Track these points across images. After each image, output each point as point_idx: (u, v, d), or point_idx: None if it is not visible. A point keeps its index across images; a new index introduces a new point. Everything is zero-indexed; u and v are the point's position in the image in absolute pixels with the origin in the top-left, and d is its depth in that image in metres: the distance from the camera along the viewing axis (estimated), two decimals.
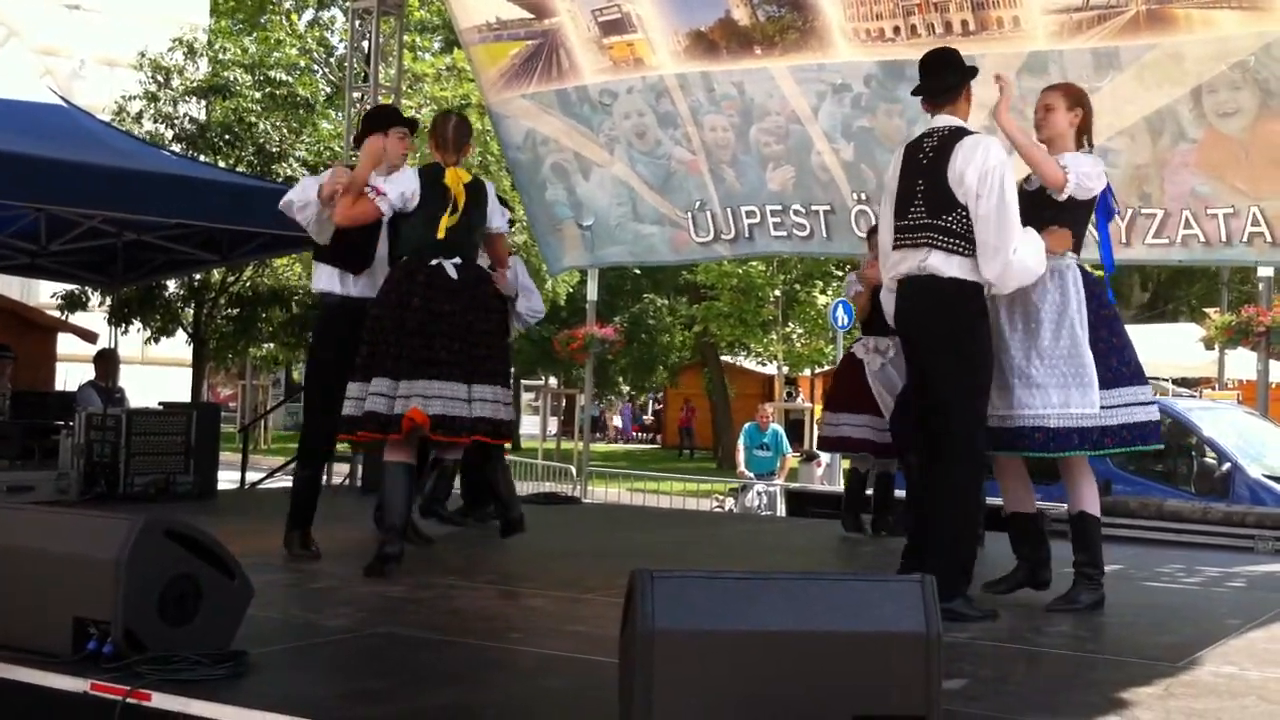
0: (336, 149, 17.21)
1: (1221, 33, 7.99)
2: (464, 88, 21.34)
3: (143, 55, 18.62)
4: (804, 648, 3.06)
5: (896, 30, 8.98)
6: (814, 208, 10.04)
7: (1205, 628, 5.04)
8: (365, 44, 11.82)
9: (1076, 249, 5.31)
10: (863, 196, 9.74)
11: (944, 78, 5.26)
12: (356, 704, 3.62)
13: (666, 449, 37.90)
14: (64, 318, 15.53)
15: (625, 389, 39.63)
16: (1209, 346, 19.52)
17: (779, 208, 10.21)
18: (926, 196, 5.12)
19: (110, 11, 22.18)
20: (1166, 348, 21.89)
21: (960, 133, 5.15)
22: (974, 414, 5.11)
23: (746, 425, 16.20)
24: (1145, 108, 8.36)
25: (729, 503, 15.11)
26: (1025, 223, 5.09)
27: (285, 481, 14.30)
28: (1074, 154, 5.30)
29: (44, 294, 18.35)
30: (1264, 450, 11.60)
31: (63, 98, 11.98)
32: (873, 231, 7.61)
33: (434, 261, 5.82)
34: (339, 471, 11.60)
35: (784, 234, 10.29)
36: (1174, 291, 32.41)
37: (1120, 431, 5.18)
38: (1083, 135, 5.43)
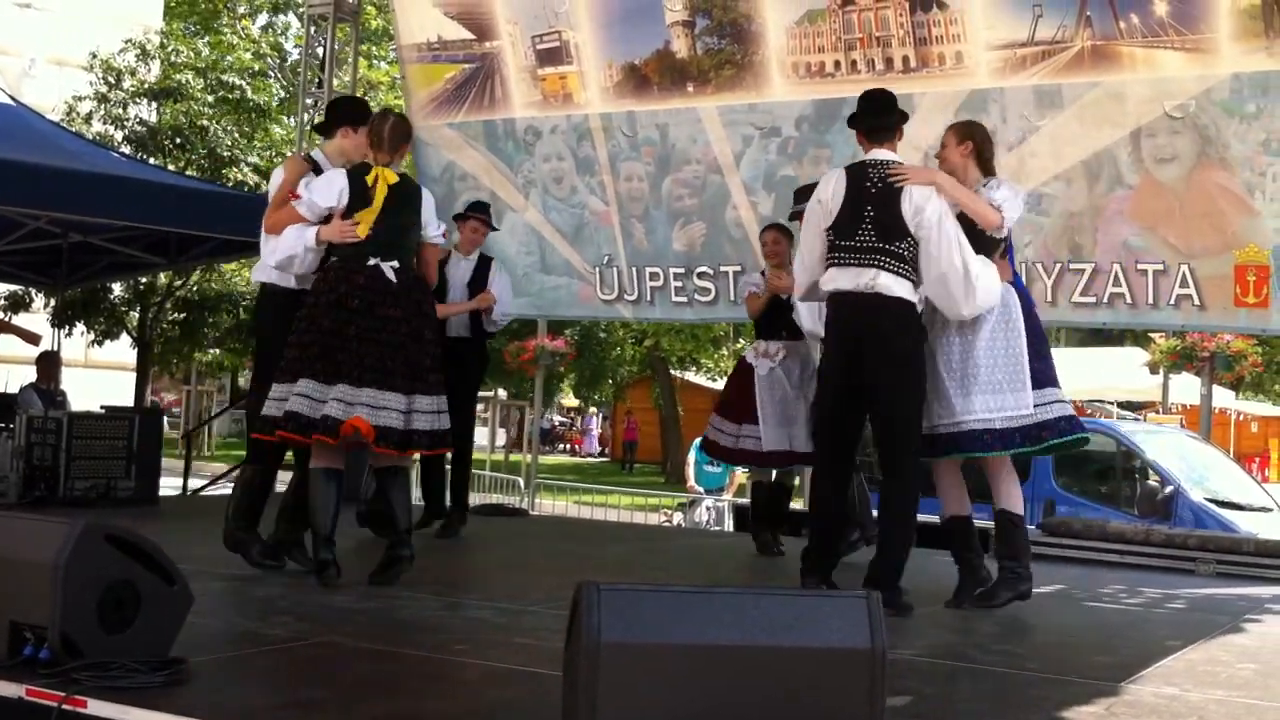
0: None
1: (1163, 74, 7.92)
2: None
3: (94, 56, 18.44)
4: (750, 662, 3.05)
5: (837, 65, 8.89)
6: (722, 268, 9.64)
7: (1146, 648, 5.08)
8: (320, 50, 11.75)
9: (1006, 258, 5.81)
10: None
11: (887, 117, 5.72)
12: (296, 714, 3.58)
13: (614, 462, 37.89)
14: (7, 319, 15.33)
15: (568, 402, 39.48)
16: (1153, 371, 19.86)
17: (681, 270, 9.85)
18: (877, 221, 5.48)
19: (62, 11, 21.94)
20: (1111, 371, 22.16)
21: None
22: (920, 429, 5.61)
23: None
24: (1084, 150, 8.21)
25: (677, 517, 15.11)
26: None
27: (228, 489, 14.17)
28: (996, 188, 5.70)
29: None
30: (1206, 474, 11.75)
31: (11, 97, 11.86)
32: (770, 235, 7.62)
33: (371, 262, 5.66)
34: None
35: (684, 299, 9.93)
36: None
37: (1056, 424, 5.63)
38: (984, 163, 5.83)
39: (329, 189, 5.74)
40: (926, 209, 5.46)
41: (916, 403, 5.55)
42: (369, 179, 5.72)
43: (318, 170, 6.07)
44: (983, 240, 5.60)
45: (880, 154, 5.65)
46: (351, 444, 5.67)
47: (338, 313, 5.59)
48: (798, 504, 8.41)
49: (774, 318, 7.45)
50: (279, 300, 6.08)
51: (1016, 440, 5.58)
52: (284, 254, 5.81)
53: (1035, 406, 5.59)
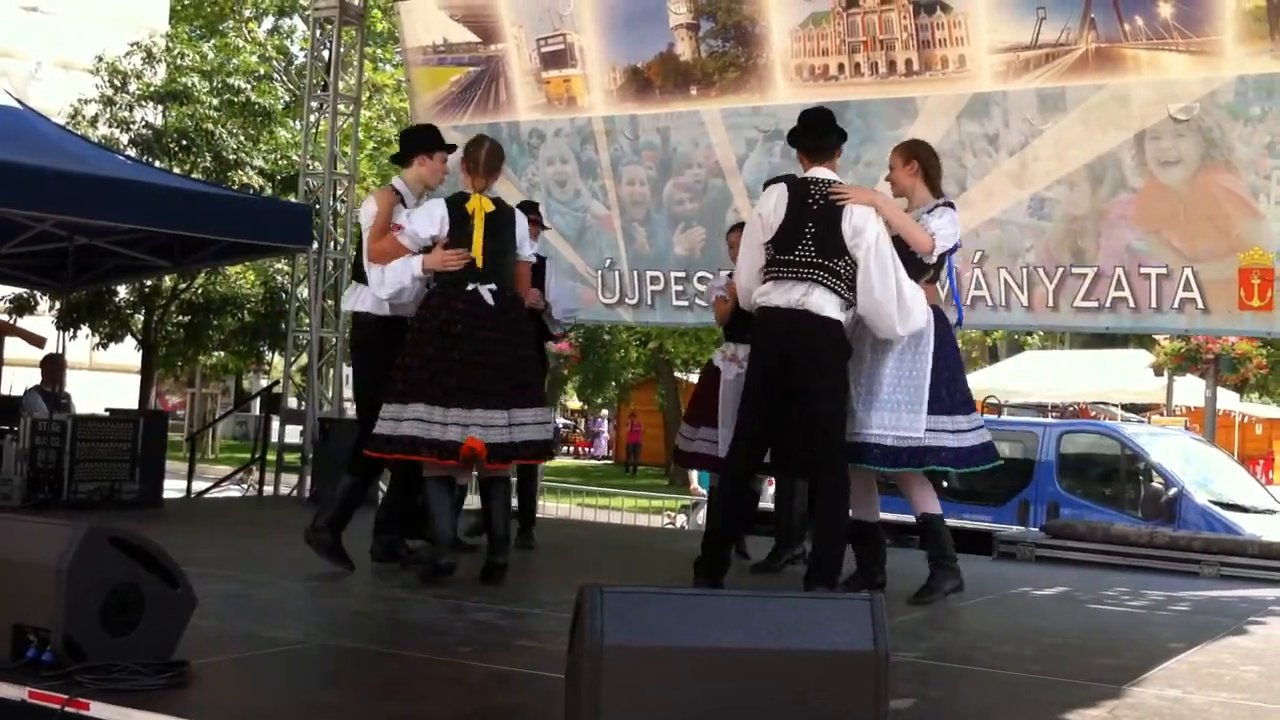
0: (294, 158, 17.10)
1: (1168, 76, 7.90)
2: None
3: (99, 59, 18.45)
4: (754, 665, 3.05)
5: (841, 68, 8.87)
6: (723, 272, 9.39)
7: (1150, 651, 5.07)
8: (326, 53, 11.76)
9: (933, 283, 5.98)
10: None
11: (827, 137, 5.85)
12: (299, 716, 3.58)
13: (618, 464, 37.89)
14: (11, 321, 15.35)
15: (572, 405, 39.43)
16: (1158, 373, 19.85)
17: (682, 274, 9.90)
18: (817, 237, 5.60)
19: (68, 14, 22.01)
20: (1116, 373, 22.11)
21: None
22: (844, 432, 5.77)
23: None
24: (1088, 153, 8.20)
25: (680, 519, 15.10)
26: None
27: (232, 491, 14.18)
28: (938, 216, 5.85)
29: None
30: (1210, 476, 11.73)
31: (18, 99, 11.86)
32: (736, 237, 7.49)
33: (470, 287, 5.93)
34: (286, 482, 11.50)
35: (685, 303, 9.95)
36: None
37: (938, 452, 5.79)
38: (930, 181, 5.97)
39: (429, 219, 6.01)
40: (866, 230, 5.58)
41: (843, 402, 5.74)
42: (467, 207, 6.00)
43: (403, 199, 6.33)
44: (912, 262, 5.75)
45: (820, 172, 5.78)
46: (468, 461, 5.93)
47: (442, 339, 5.88)
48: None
49: (743, 321, 7.35)
50: (373, 328, 6.41)
51: (903, 459, 5.78)
52: (394, 286, 6.06)
53: (937, 431, 5.75)
